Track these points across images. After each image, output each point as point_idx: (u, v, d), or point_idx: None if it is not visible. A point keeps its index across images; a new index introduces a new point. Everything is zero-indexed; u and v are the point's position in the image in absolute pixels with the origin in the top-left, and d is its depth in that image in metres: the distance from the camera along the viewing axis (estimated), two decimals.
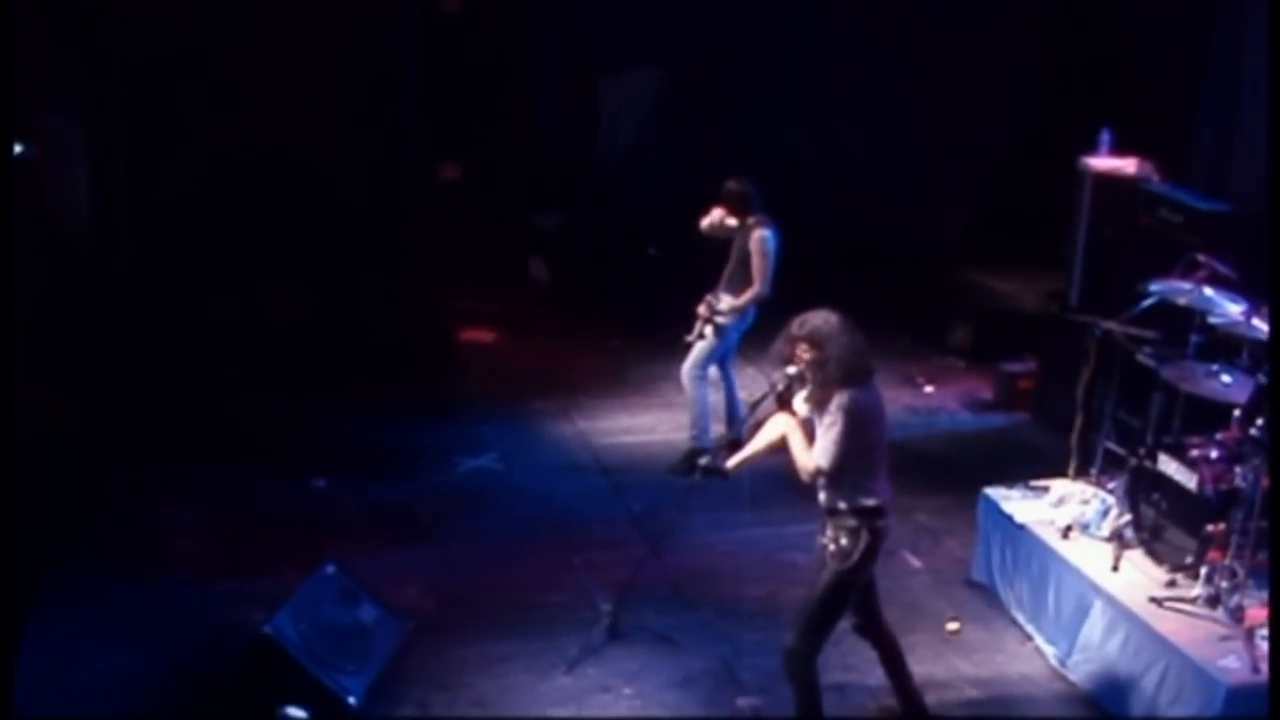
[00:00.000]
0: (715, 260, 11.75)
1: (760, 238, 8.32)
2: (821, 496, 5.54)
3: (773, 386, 5.50)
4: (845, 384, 5.31)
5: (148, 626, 6.49)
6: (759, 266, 8.31)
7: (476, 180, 11.49)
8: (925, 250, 13.06)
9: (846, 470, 5.36)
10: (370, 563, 7.03)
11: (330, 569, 6.25)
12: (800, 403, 5.56)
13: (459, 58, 11.27)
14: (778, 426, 5.64)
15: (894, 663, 5.92)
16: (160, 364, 9.37)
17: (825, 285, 9.17)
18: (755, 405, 5.65)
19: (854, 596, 5.57)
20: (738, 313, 8.40)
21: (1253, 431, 6.08)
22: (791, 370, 5.44)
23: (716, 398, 8.88)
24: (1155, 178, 8.74)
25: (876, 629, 5.86)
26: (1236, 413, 6.21)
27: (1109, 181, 8.89)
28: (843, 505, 5.45)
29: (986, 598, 7.16)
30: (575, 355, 10.59)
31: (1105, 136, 9.08)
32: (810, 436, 5.49)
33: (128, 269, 9.73)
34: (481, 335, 10.81)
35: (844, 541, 5.42)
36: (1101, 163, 8.95)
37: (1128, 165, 8.86)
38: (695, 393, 8.61)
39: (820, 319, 5.38)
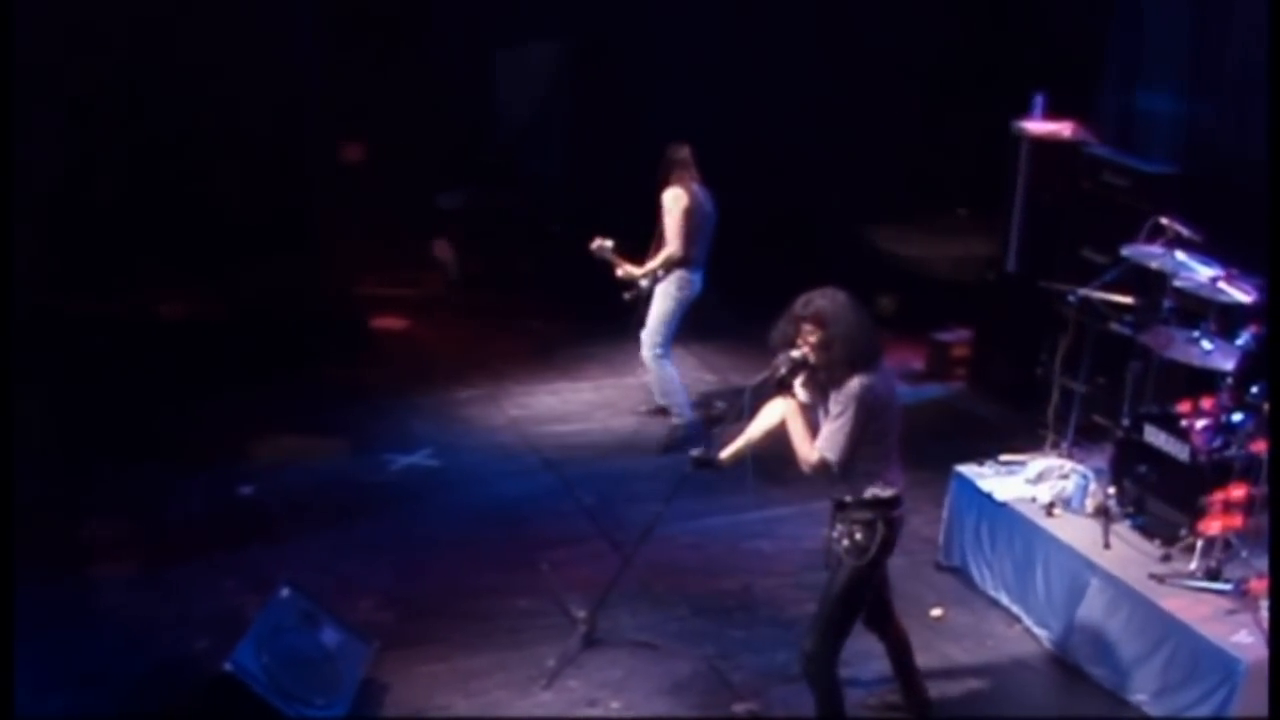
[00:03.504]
0: (621, 234, 11.50)
1: (669, 195, 8.06)
2: (829, 489, 5.22)
3: (774, 370, 5.12)
4: (854, 367, 4.97)
5: (84, 664, 5.86)
6: (668, 226, 8.04)
7: (379, 160, 10.88)
8: (831, 220, 12.87)
9: (859, 460, 5.04)
10: (316, 575, 6.51)
11: (285, 591, 5.71)
12: (800, 387, 5.21)
13: (357, 31, 10.64)
14: (775, 412, 5.30)
15: (902, 656, 5.66)
16: (56, 372, 8.60)
17: (735, 258, 8.98)
18: (755, 389, 5.26)
19: (871, 592, 5.27)
20: (659, 272, 8.09)
21: (1246, 398, 5.94)
22: (795, 354, 5.08)
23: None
24: (1093, 140, 8.62)
25: (886, 622, 5.59)
26: (1229, 380, 6.06)
27: (1046, 146, 8.73)
28: (850, 498, 5.14)
29: (963, 579, 6.95)
30: (494, 339, 10.11)
31: (1038, 100, 8.91)
32: (811, 423, 5.17)
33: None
34: (393, 322, 10.26)
35: (859, 536, 5.11)
36: (1037, 127, 8.78)
37: (1064, 129, 8.72)
38: (660, 371, 8.31)
39: (826, 298, 5.04)
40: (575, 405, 9.10)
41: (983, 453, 7.36)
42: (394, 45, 11.04)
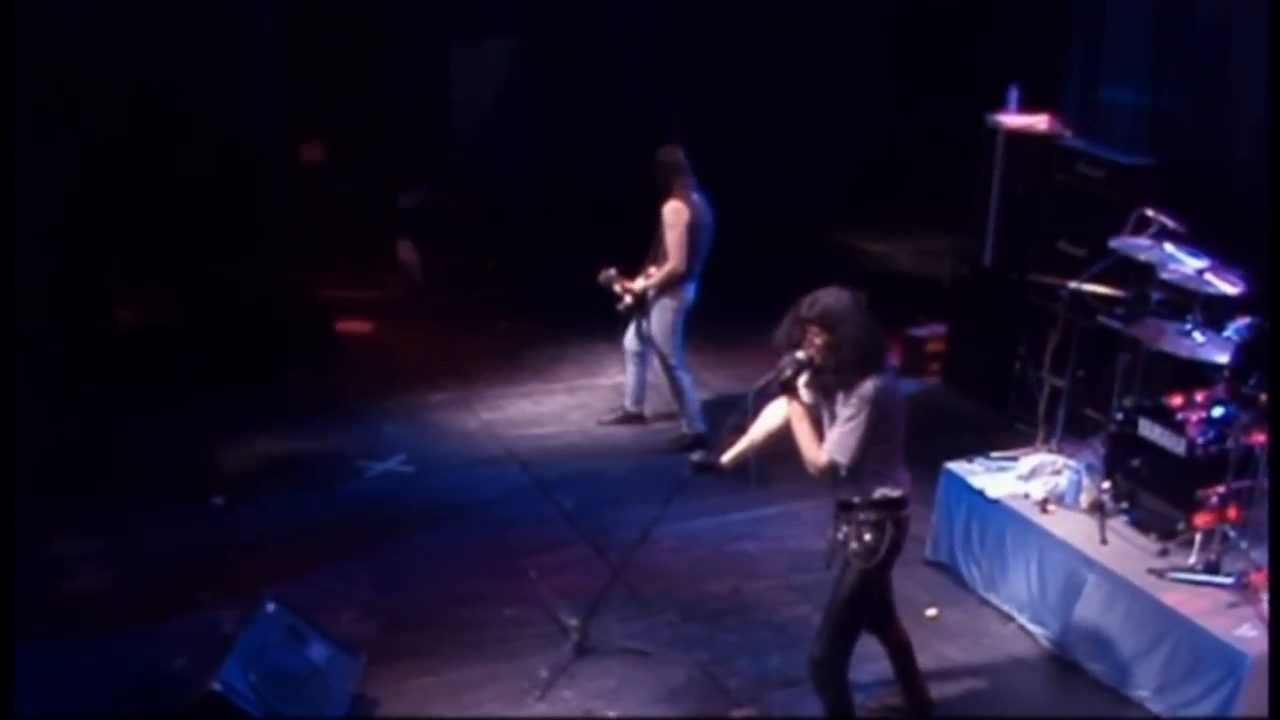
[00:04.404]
0: (583, 233, 11.37)
1: (671, 209, 7.85)
2: (833, 490, 5.10)
3: (779, 371, 5.00)
4: (865, 369, 4.86)
5: (59, 684, 5.62)
6: (670, 240, 7.84)
7: (340, 160, 10.64)
8: (795, 215, 12.81)
9: (867, 460, 4.93)
10: (294, 588, 6.32)
11: (270, 606, 5.51)
12: (803, 388, 5.09)
13: (314, 29, 10.40)
14: (778, 414, 5.19)
15: (903, 658, 5.55)
16: (11, 384, 8.29)
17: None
18: (759, 392, 5.13)
19: (878, 594, 5.16)
20: (660, 289, 7.92)
21: (1244, 390, 5.90)
22: (800, 355, 4.96)
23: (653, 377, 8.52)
24: (1068, 133, 8.58)
25: (888, 624, 5.48)
26: (1226, 372, 6.02)
27: (1021, 139, 8.68)
28: (858, 499, 5.02)
29: (953, 577, 6.87)
30: (462, 341, 9.92)
31: (1013, 93, 8.87)
32: (816, 424, 5.05)
33: None
34: (358, 325, 10.03)
35: (868, 537, 4.99)
36: (1012, 120, 8.73)
37: (1039, 121, 8.67)
38: (676, 385, 8.19)
39: (832, 298, 4.92)
40: (549, 407, 8.94)
41: (962, 448, 7.30)
42: (352, 43, 10.79)
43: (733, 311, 9.43)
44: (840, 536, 5.09)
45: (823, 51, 12.68)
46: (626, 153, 11.94)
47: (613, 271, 7.99)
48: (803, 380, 5.07)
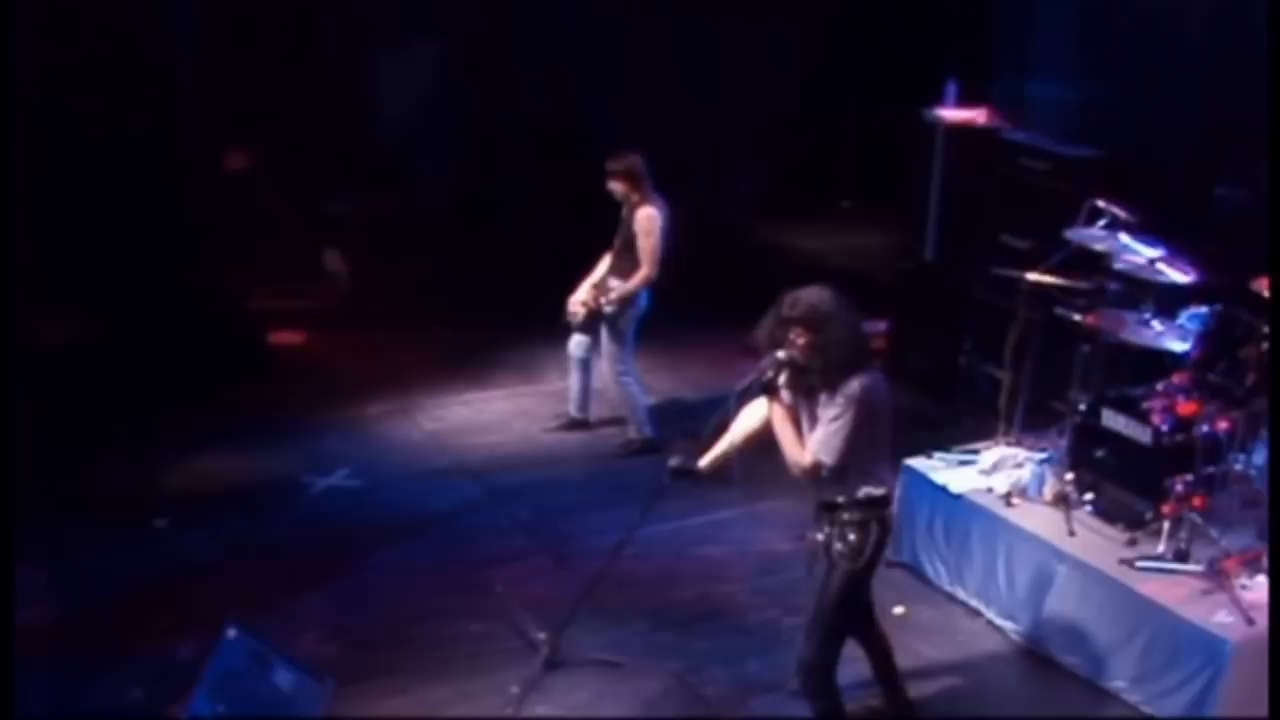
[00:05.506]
0: (514, 237, 11.20)
1: (646, 216, 7.74)
2: (816, 490, 5.02)
3: (760, 372, 4.90)
4: (850, 368, 4.78)
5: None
6: (645, 247, 7.72)
7: (265, 167, 10.36)
8: (724, 215, 12.78)
9: (854, 460, 4.84)
10: (249, 611, 5.99)
11: (231, 632, 5.25)
12: (784, 390, 5.00)
13: (236, 34, 10.10)
14: (757, 415, 5.10)
15: (883, 659, 5.49)
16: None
17: None
18: (741, 395, 5.02)
19: (865, 594, 5.09)
20: (627, 300, 7.79)
21: (1210, 378, 5.93)
22: (782, 355, 4.86)
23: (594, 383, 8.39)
24: (1007, 126, 8.62)
25: (868, 626, 5.41)
26: (1190, 360, 6.04)
27: (961, 132, 8.71)
28: (842, 499, 4.94)
29: (916, 575, 6.82)
30: (397, 350, 9.69)
31: (951, 87, 8.90)
32: (796, 424, 4.97)
33: None
34: (290, 337, 9.76)
35: (852, 538, 4.92)
36: (952, 114, 8.76)
37: (978, 115, 8.71)
38: (623, 391, 8.06)
39: (815, 297, 4.83)
40: (491, 415, 8.77)
41: (916, 444, 7.22)
42: (275, 48, 10.52)
43: (671, 314, 9.34)
44: (822, 538, 5.00)
45: (751, 50, 12.64)
46: (555, 156, 11.88)
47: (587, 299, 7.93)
48: (782, 380, 4.98)
